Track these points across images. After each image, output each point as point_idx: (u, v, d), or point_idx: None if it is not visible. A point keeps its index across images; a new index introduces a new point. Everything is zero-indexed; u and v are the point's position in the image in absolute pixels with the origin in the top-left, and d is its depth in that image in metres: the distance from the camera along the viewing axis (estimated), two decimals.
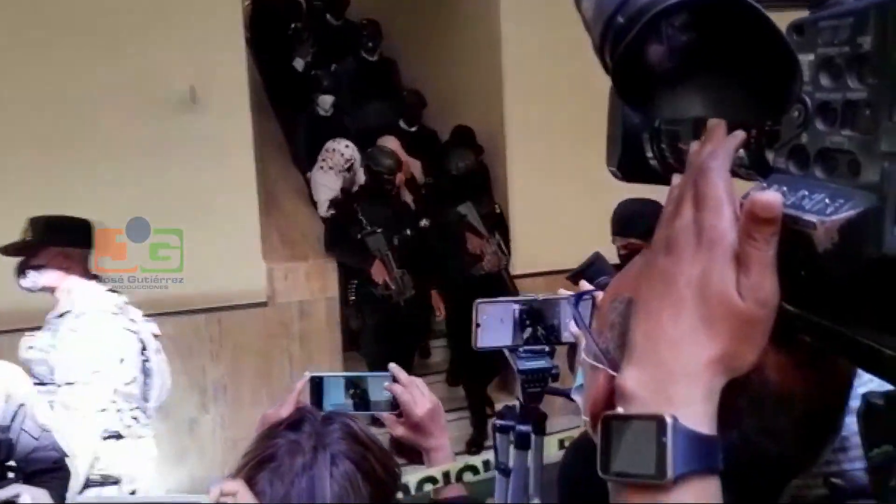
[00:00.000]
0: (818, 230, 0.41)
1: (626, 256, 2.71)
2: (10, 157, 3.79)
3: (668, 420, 0.42)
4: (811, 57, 0.44)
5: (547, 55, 5.00)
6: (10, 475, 1.76)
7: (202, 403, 4.22)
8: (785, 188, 0.45)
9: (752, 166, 0.53)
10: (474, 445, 4.46)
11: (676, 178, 0.53)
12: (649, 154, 0.65)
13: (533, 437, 1.25)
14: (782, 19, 0.53)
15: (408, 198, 5.13)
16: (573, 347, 1.24)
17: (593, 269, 1.42)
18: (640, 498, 0.43)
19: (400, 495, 1.17)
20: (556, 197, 4.87)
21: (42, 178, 3.85)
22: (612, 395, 0.54)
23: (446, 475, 1.30)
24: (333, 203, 4.63)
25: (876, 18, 0.39)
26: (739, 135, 0.48)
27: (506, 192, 5.07)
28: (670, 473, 0.41)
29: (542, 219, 4.67)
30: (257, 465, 0.98)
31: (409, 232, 4.49)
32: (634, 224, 2.57)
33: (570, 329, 1.26)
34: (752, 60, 0.44)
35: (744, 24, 0.43)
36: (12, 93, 3.81)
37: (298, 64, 5.60)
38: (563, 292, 1.27)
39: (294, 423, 1.04)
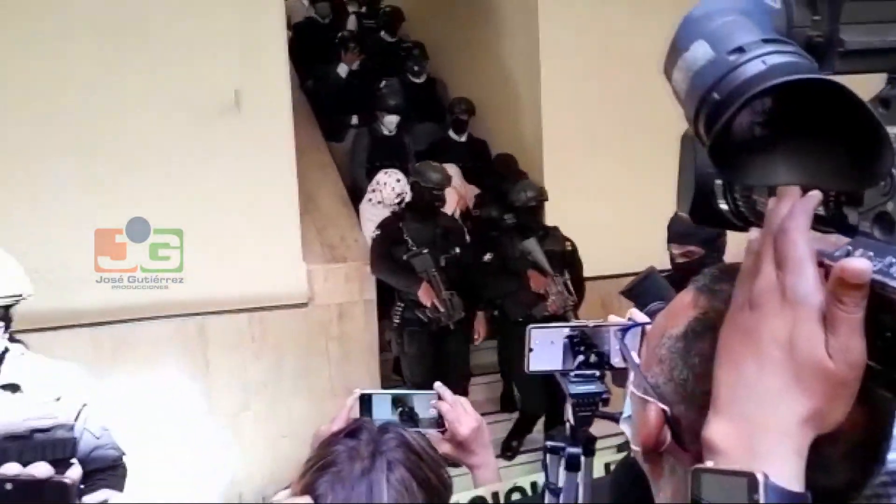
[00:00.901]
0: None
1: (685, 266, 2.69)
2: (59, 162, 3.90)
3: (760, 478, 0.44)
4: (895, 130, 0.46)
5: (586, 67, 5.02)
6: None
7: (244, 400, 4.31)
8: (871, 253, 0.47)
9: (830, 224, 0.55)
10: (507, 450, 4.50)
11: (754, 232, 0.56)
12: (722, 203, 0.67)
13: (583, 458, 1.28)
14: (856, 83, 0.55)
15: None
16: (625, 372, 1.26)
17: (647, 282, 1.44)
18: None
19: None
20: (593, 208, 4.89)
21: (88, 183, 3.96)
22: (662, 428, 0.57)
23: (495, 495, 1.34)
24: (380, 224, 4.43)
25: None
26: (816, 195, 0.50)
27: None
28: None
29: (579, 229, 4.62)
30: (318, 470, 1.02)
31: (458, 251, 4.34)
32: (694, 232, 2.58)
33: (618, 358, 1.28)
34: (839, 132, 0.46)
35: (832, 99, 0.45)
36: (59, 99, 3.91)
37: (342, 70, 5.65)
38: (613, 318, 1.29)
39: (352, 431, 1.09)
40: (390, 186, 4.65)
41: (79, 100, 3.94)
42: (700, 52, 0.48)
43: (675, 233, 2.71)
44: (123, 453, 2.02)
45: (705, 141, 0.47)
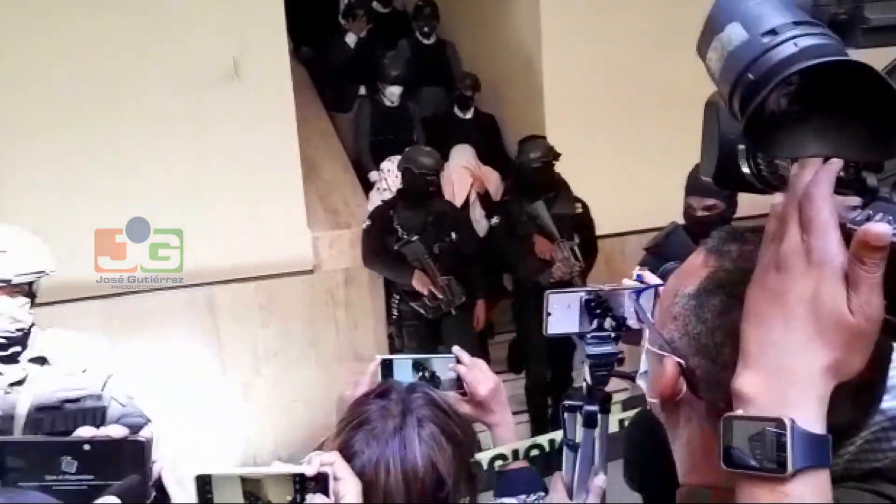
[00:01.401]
0: None
1: (706, 220, 2.62)
2: (52, 131, 3.89)
3: (788, 422, 0.50)
4: None
5: (587, 39, 4.97)
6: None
7: (255, 367, 4.39)
8: (890, 217, 0.52)
9: (851, 187, 0.59)
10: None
11: (777, 197, 0.60)
12: (745, 168, 0.71)
13: (599, 416, 1.34)
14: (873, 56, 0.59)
15: (478, 213, 4.84)
16: (635, 332, 1.31)
17: (671, 239, 1.48)
18: (763, 488, 0.51)
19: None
20: (595, 167, 4.83)
21: (84, 153, 3.97)
22: (678, 379, 0.62)
23: (515, 452, 1.41)
24: (370, 214, 4.30)
25: None
26: (838, 162, 0.54)
27: None
28: (790, 468, 0.49)
29: (581, 190, 4.56)
30: (353, 428, 1.08)
31: (453, 237, 4.14)
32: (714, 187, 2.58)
33: (633, 319, 1.33)
34: (863, 107, 0.50)
35: (857, 77, 0.49)
36: (53, 75, 3.89)
37: (350, 39, 5.42)
38: (627, 282, 1.34)
39: (382, 392, 1.14)
40: (394, 174, 4.44)
41: (74, 74, 3.93)
42: (734, 33, 0.51)
43: (699, 186, 2.69)
44: (150, 420, 2.08)
45: (740, 118, 0.51)
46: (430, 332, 4.19)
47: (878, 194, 0.55)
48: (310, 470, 0.94)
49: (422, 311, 4.13)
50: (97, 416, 1.89)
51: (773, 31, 0.49)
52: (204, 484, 0.90)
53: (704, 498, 0.58)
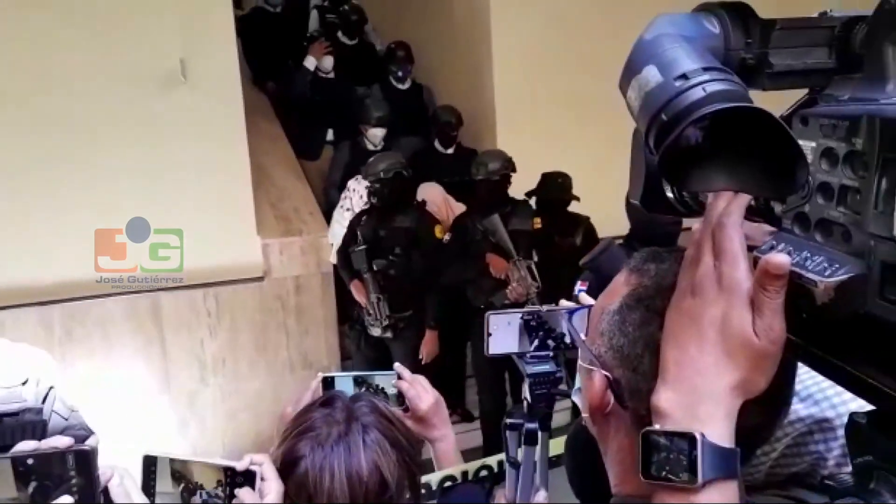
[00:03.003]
0: (818, 287, 0.53)
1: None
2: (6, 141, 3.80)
3: (698, 437, 0.54)
4: (813, 144, 0.55)
5: (536, 28, 5.03)
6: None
7: (201, 376, 4.32)
8: (791, 248, 0.56)
9: (759, 214, 0.64)
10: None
11: (696, 224, 0.65)
12: (669, 193, 0.75)
13: (540, 434, 1.38)
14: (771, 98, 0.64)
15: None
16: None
17: (606, 254, 1.53)
18: (674, 498, 0.55)
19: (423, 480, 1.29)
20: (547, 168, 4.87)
21: (31, 159, 3.86)
22: (606, 392, 0.66)
23: (465, 474, 1.44)
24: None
25: (867, 125, 0.50)
26: (747, 195, 0.59)
27: None
28: (700, 479, 0.53)
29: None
30: (297, 434, 1.10)
31: (391, 258, 3.94)
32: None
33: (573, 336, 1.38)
34: (765, 148, 0.54)
35: (760, 121, 0.53)
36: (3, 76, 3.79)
37: (310, 63, 5.09)
38: (564, 303, 1.39)
39: (326, 401, 1.17)
40: (359, 194, 4.34)
41: (22, 75, 3.82)
42: (650, 75, 0.55)
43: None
44: (93, 433, 2.04)
45: (655, 154, 0.55)
46: (375, 343, 4.06)
47: (781, 225, 0.60)
48: (240, 465, 1.05)
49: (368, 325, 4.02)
50: (37, 429, 1.84)
51: (684, 76, 0.53)
52: (150, 465, 1.05)
53: None
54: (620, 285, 0.70)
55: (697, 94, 0.52)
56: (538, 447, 1.41)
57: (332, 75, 5.19)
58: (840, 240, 0.53)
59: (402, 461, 1.10)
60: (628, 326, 0.66)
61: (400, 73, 5.29)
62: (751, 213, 0.64)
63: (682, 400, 0.56)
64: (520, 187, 4.20)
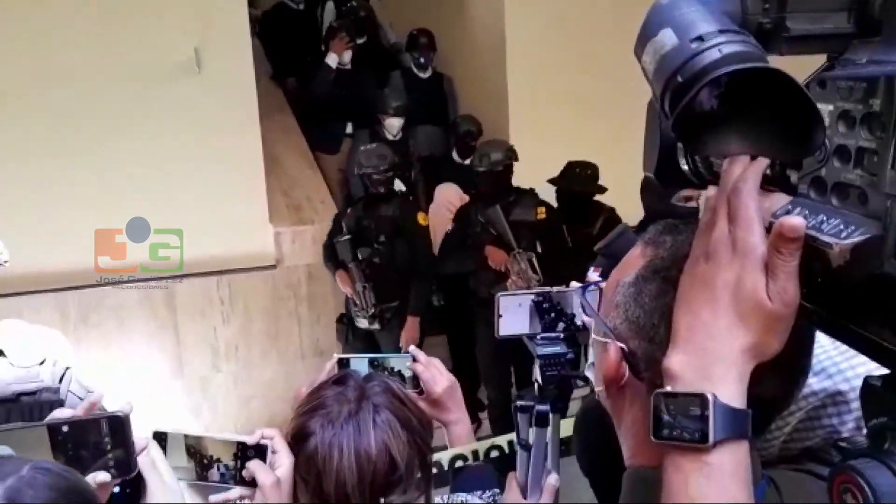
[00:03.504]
0: (834, 250, 0.52)
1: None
2: (11, 129, 3.83)
3: (710, 397, 0.54)
4: (831, 107, 0.55)
5: (549, 25, 5.00)
6: None
7: (214, 363, 4.36)
8: (807, 211, 0.56)
9: (775, 183, 0.64)
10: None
11: (711, 190, 0.64)
12: (683, 165, 0.75)
13: (551, 415, 1.38)
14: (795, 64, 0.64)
15: None
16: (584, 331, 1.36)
17: (621, 240, 1.53)
18: (687, 458, 0.55)
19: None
20: (560, 160, 4.85)
21: (47, 149, 3.90)
22: (621, 363, 0.66)
23: (475, 453, 1.44)
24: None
25: (885, 86, 0.50)
26: (764, 160, 0.59)
27: None
28: (711, 439, 0.53)
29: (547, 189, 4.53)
30: (309, 411, 1.11)
31: (376, 246, 3.90)
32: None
33: (582, 317, 1.37)
34: (782, 109, 0.54)
35: (776, 82, 0.53)
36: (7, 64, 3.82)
37: (332, 60, 5.02)
38: (574, 284, 1.39)
39: (339, 379, 1.17)
40: None
41: (34, 68, 3.85)
42: (666, 38, 0.55)
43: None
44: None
45: (670, 117, 0.55)
46: (364, 334, 4.04)
47: (796, 193, 0.60)
48: (251, 439, 1.08)
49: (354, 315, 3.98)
50: (54, 409, 1.86)
51: (700, 38, 0.53)
52: (160, 440, 1.05)
53: (649, 478, 0.61)
54: (636, 258, 0.70)
55: (713, 55, 0.52)
56: (549, 429, 1.41)
57: (348, 67, 5.15)
58: (856, 202, 0.53)
59: (412, 442, 1.10)
60: (644, 297, 0.66)
61: (422, 60, 5.21)
62: (766, 182, 0.64)
63: (693, 362, 0.56)
64: (535, 171, 4.13)
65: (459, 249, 3.93)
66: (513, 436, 1.54)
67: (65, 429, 0.85)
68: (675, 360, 0.57)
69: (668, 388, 0.57)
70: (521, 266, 3.71)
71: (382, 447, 1.05)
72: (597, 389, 0.75)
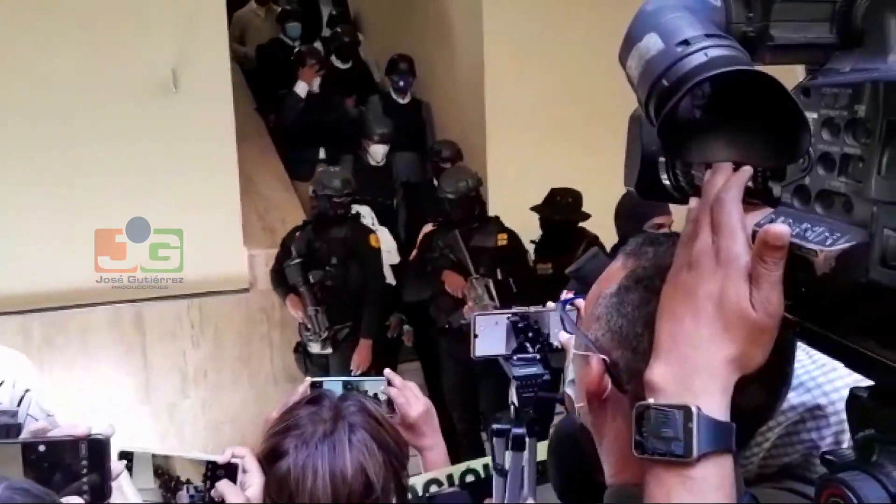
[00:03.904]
0: (819, 257, 0.52)
1: None
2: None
3: (694, 409, 0.52)
4: (815, 115, 0.55)
5: (530, 43, 5.04)
6: None
7: (182, 388, 4.26)
8: (790, 220, 0.55)
9: (758, 196, 0.64)
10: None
11: (693, 202, 0.64)
12: (664, 177, 0.75)
13: (527, 439, 1.35)
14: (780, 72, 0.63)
15: None
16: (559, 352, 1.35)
17: (592, 263, 1.52)
18: (670, 472, 0.53)
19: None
20: (537, 186, 4.86)
21: (23, 166, 3.84)
22: (603, 376, 0.64)
23: (450, 477, 1.40)
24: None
25: (870, 91, 0.50)
26: (747, 170, 0.58)
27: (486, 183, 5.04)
28: (695, 452, 0.52)
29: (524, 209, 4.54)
30: (281, 431, 1.07)
31: (328, 269, 3.84)
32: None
33: (560, 337, 1.36)
34: (767, 116, 0.54)
35: (762, 88, 0.53)
36: None
37: (301, 89, 4.98)
38: (551, 305, 1.38)
39: (313, 399, 1.14)
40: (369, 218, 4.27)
41: (10, 82, 3.80)
42: (651, 42, 0.54)
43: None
44: None
45: (654, 122, 0.54)
46: (319, 362, 3.97)
47: (780, 201, 0.59)
48: (221, 459, 1.05)
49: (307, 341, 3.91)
50: (11, 433, 1.78)
51: (686, 42, 0.53)
52: (125, 460, 1.02)
53: (634, 495, 0.59)
54: (617, 269, 0.69)
55: (699, 58, 0.51)
56: (525, 453, 1.38)
57: (317, 92, 5.11)
58: (841, 210, 0.53)
59: (388, 463, 1.07)
60: (627, 307, 0.65)
61: (401, 84, 5.16)
62: (748, 195, 0.63)
63: (676, 373, 0.55)
64: (512, 197, 4.17)
65: (420, 276, 3.91)
66: (489, 459, 1.51)
67: (41, 448, 0.81)
68: (658, 372, 0.56)
69: (651, 401, 0.55)
70: (478, 292, 3.66)
71: (358, 468, 1.02)
72: (577, 406, 0.73)
